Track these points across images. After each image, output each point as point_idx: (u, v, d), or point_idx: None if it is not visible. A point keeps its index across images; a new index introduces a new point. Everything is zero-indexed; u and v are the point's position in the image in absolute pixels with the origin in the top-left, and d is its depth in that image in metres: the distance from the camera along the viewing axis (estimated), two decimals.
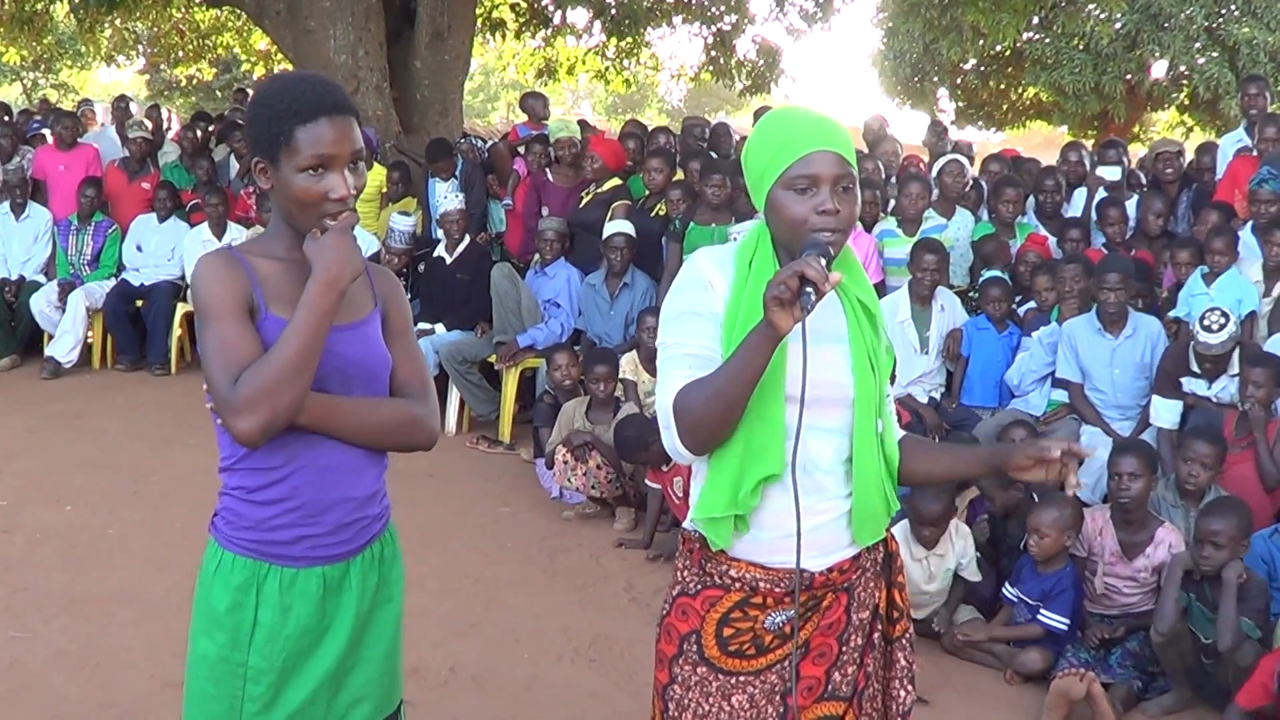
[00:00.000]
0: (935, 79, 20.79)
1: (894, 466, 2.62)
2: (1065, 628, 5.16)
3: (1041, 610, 5.19)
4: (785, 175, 2.39)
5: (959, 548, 5.47)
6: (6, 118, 12.82)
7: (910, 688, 2.74)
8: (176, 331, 10.10)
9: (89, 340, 10.22)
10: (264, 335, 2.39)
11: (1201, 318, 6.17)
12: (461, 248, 9.05)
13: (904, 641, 2.74)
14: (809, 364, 2.37)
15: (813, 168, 2.38)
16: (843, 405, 2.51)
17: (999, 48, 17.36)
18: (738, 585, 2.55)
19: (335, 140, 2.39)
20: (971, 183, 8.97)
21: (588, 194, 9.33)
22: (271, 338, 2.37)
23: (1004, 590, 5.45)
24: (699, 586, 2.60)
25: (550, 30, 16.95)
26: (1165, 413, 6.34)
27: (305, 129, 2.38)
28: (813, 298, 2.21)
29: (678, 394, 2.43)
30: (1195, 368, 6.30)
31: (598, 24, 16.56)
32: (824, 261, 2.25)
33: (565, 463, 6.87)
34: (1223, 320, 6.13)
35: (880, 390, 2.55)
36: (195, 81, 21.27)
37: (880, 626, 2.70)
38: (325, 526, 2.51)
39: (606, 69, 17.81)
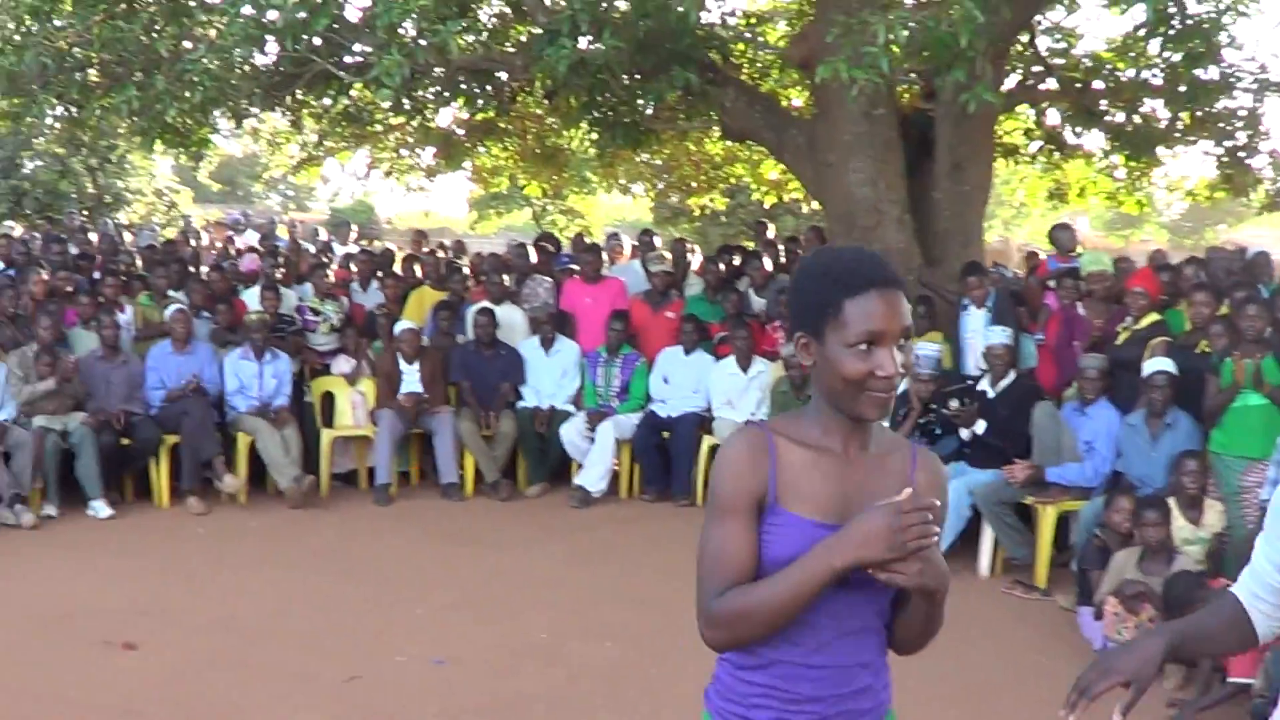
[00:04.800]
0: None
1: None
2: None
3: None
4: None
5: None
6: (551, 247, 13.57)
7: None
8: (702, 464, 10.22)
9: (616, 469, 10.52)
10: (768, 528, 2.37)
11: None
12: (1005, 382, 8.96)
13: None
14: None
15: None
16: None
17: None
18: None
19: (886, 315, 2.30)
20: None
21: (1124, 329, 9.00)
22: (774, 534, 2.36)
23: None
24: None
25: (1062, 153, 16.54)
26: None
27: (855, 302, 2.30)
28: None
29: None
30: None
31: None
32: None
33: (1115, 614, 6.60)
34: None
35: None
36: (705, 210, 21.88)
37: None
38: (806, 715, 2.43)
39: (1118, 190, 17.19)
